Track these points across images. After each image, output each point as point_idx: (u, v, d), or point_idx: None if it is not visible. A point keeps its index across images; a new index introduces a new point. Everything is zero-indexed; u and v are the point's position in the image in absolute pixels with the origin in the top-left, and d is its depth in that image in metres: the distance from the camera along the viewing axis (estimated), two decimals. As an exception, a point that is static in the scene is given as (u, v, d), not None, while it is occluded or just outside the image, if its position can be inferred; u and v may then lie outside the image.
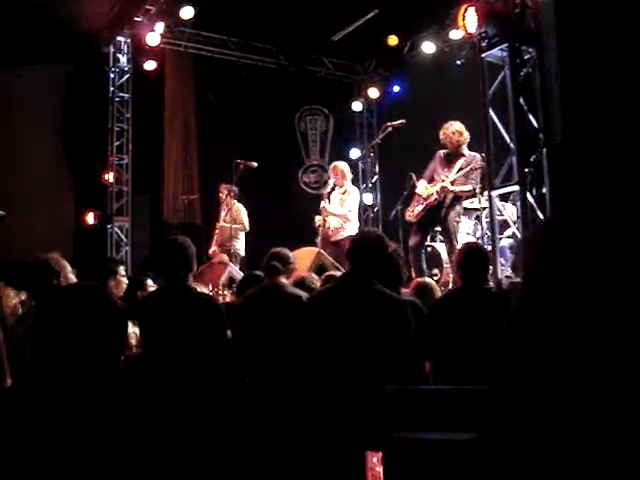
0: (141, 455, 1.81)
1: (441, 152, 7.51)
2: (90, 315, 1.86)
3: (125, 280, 5.19)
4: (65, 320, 1.86)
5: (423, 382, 3.80)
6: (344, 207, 8.25)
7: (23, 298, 4.79)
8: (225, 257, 8.45)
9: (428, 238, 7.81)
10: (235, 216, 8.74)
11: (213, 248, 8.86)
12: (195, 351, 3.82)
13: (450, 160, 7.38)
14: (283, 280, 4.49)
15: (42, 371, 1.87)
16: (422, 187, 7.43)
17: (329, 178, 8.56)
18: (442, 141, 7.43)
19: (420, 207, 7.38)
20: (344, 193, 8.34)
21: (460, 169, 7.18)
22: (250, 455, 3.70)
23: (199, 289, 5.00)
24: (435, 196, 7.25)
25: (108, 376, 1.88)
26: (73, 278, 4.11)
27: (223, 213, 8.92)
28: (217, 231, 8.94)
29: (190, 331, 3.86)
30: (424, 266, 7.30)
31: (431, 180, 7.43)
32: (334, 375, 3.58)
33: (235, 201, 8.80)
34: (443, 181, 7.21)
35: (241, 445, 3.74)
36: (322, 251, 7.31)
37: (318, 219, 8.22)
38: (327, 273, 5.52)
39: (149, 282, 5.94)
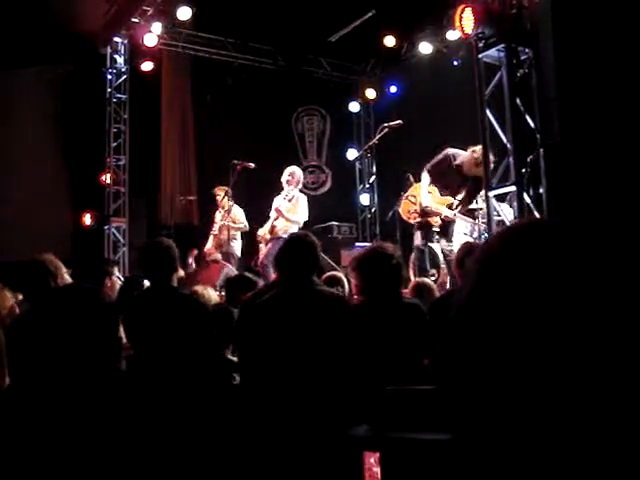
0: (133, 455, 1.81)
1: (457, 157, 7.21)
2: (83, 315, 1.86)
3: (119, 281, 5.20)
4: (59, 321, 1.86)
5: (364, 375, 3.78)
6: (300, 215, 8.11)
7: (20, 299, 4.78)
8: (219, 255, 8.46)
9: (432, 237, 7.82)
10: (234, 218, 8.74)
11: (208, 246, 8.86)
12: (181, 351, 3.82)
13: (463, 179, 7.21)
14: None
15: (38, 372, 1.87)
16: (429, 198, 7.18)
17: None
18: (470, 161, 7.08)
19: (419, 219, 7.31)
20: (292, 199, 8.13)
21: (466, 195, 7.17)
22: (246, 456, 3.70)
23: (200, 291, 4.99)
24: (439, 221, 7.19)
25: (105, 377, 1.88)
26: (69, 279, 4.12)
27: (219, 215, 8.91)
28: (215, 232, 8.92)
29: (176, 331, 3.86)
30: (427, 266, 7.22)
31: (438, 178, 7.32)
32: (286, 378, 3.60)
33: (232, 203, 8.79)
34: (452, 206, 7.11)
35: (236, 446, 3.74)
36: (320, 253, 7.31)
37: (263, 231, 8.14)
38: (328, 274, 5.52)
39: (146, 283, 5.94)
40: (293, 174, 8.22)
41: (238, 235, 8.92)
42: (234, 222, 8.70)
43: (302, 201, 8.21)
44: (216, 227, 8.92)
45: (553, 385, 0.61)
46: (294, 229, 8.08)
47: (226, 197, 8.69)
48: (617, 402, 0.60)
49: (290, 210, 8.04)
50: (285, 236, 7.87)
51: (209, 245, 8.86)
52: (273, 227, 8.02)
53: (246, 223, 8.88)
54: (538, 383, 0.61)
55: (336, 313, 3.64)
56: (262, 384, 3.77)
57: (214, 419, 3.69)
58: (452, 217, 7.08)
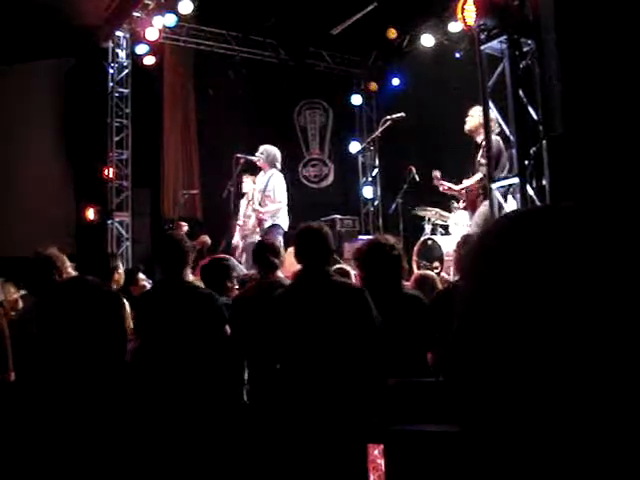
0: (143, 449, 1.82)
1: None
2: (88, 308, 1.87)
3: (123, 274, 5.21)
4: (64, 313, 1.86)
5: (383, 367, 3.77)
6: (275, 200, 7.97)
7: (23, 293, 4.80)
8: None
9: (429, 231, 7.84)
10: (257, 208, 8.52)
11: (236, 238, 8.60)
12: (193, 345, 3.83)
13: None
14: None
15: (44, 366, 1.88)
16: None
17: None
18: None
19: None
20: (270, 180, 8.01)
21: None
22: (252, 449, 3.72)
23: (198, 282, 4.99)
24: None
25: (110, 369, 1.89)
26: (74, 273, 4.12)
27: (244, 203, 8.70)
28: (240, 223, 8.66)
29: (187, 325, 3.87)
30: None
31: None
32: (310, 370, 3.61)
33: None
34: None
35: (243, 439, 3.75)
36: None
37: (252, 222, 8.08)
38: (336, 266, 5.52)
39: (140, 275, 5.95)
40: (263, 152, 8.12)
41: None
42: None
43: (277, 181, 8.03)
44: (241, 217, 8.66)
45: (565, 382, 0.61)
46: (282, 211, 7.97)
47: (253, 185, 8.52)
48: (624, 400, 0.60)
49: (268, 196, 7.95)
50: (274, 221, 7.81)
51: (236, 237, 8.65)
52: (260, 219, 7.93)
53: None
54: (550, 382, 0.61)
55: (355, 304, 3.63)
56: (280, 376, 3.78)
57: (219, 412, 3.70)
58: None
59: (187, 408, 3.43)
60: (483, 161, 6.88)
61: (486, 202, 6.87)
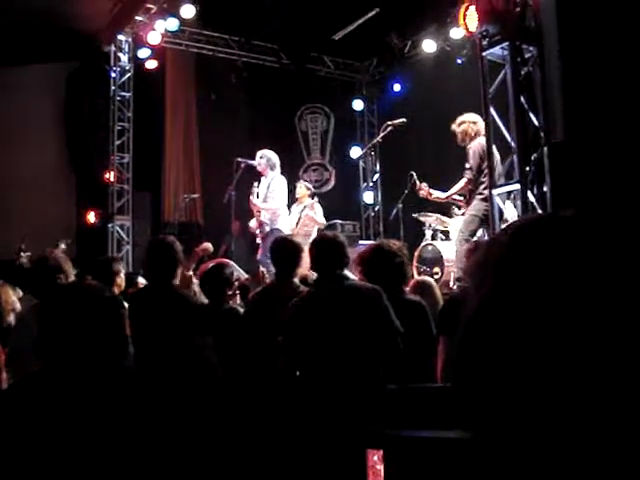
0: (139, 449, 1.81)
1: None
2: (90, 312, 1.87)
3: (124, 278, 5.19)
4: (66, 317, 1.86)
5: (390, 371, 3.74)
6: (277, 200, 7.90)
7: (20, 295, 4.78)
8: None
9: (429, 236, 7.83)
10: (313, 215, 8.43)
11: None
12: (175, 351, 3.79)
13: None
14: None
15: (45, 368, 1.87)
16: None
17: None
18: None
19: None
20: (271, 183, 7.96)
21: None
22: (250, 454, 3.70)
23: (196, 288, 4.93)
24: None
25: (110, 373, 1.88)
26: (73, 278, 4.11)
27: (296, 208, 8.57)
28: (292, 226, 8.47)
29: (170, 331, 3.83)
30: None
31: None
32: (329, 374, 3.57)
33: (312, 200, 8.55)
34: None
35: (240, 445, 3.73)
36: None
37: (253, 222, 8.00)
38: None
39: (140, 280, 5.93)
40: (263, 157, 8.07)
41: (314, 232, 8.56)
42: (313, 220, 8.43)
43: (277, 184, 7.97)
44: (293, 221, 8.50)
45: (573, 387, 0.60)
46: (282, 216, 7.92)
47: (307, 192, 8.54)
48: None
49: (267, 197, 7.89)
50: (274, 226, 7.74)
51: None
52: (260, 222, 7.89)
53: (324, 220, 8.62)
54: (559, 387, 0.61)
55: (372, 302, 3.59)
56: (304, 382, 3.74)
57: (214, 418, 3.68)
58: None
59: (171, 413, 3.42)
60: (467, 165, 6.84)
61: (471, 208, 6.87)
